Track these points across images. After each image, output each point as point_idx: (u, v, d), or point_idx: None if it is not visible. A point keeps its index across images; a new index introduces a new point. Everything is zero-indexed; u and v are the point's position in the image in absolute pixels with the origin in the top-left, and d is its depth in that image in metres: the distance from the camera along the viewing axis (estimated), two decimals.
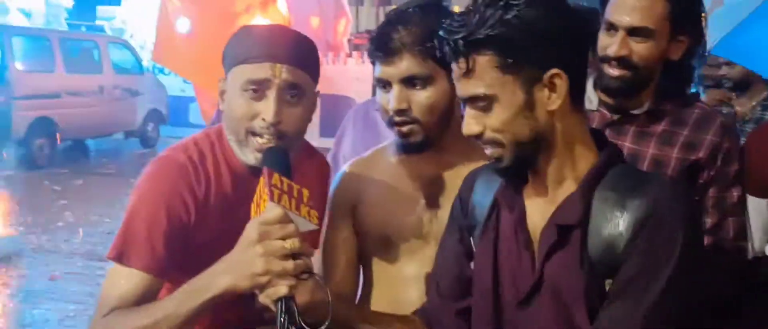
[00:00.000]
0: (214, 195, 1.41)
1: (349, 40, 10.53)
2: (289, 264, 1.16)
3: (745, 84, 3.37)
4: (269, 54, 1.34)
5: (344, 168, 1.67)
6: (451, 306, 1.36)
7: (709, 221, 1.70)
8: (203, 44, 10.28)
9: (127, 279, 1.33)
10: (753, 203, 1.81)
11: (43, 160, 9.69)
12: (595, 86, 1.76)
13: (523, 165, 1.21)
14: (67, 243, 6.25)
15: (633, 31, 1.64)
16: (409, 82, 1.43)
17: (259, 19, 9.70)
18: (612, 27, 1.67)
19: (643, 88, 1.71)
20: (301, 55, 1.39)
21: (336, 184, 1.64)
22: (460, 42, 1.14)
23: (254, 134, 1.35)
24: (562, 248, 1.18)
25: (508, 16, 1.11)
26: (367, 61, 1.98)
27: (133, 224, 1.36)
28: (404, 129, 1.46)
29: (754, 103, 3.39)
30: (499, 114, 1.16)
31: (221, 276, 1.20)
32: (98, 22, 15.85)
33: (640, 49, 1.64)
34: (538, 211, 1.23)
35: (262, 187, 1.21)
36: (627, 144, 1.71)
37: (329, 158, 2.12)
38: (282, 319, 1.15)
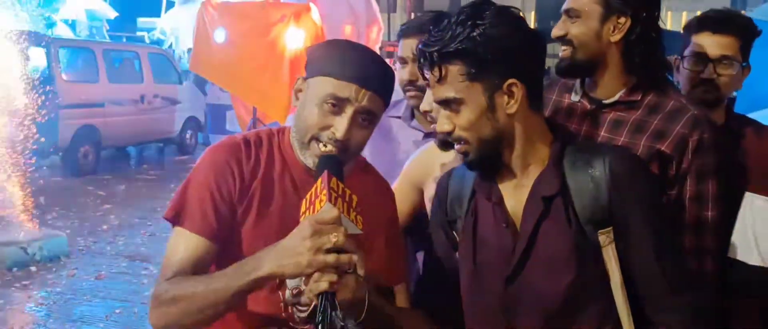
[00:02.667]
0: (261, 177, 1.50)
1: (380, 48, 10.74)
2: (332, 258, 1.24)
3: None
4: (358, 77, 1.43)
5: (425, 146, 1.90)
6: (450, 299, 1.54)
7: (688, 215, 1.71)
8: (239, 54, 10.59)
9: (185, 243, 1.44)
10: (761, 206, 1.88)
11: (88, 167, 10.05)
12: (583, 82, 1.87)
13: (487, 158, 1.42)
14: (112, 244, 6.54)
15: (567, 12, 1.78)
16: None
17: (293, 29, 9.95)
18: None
19: (593, 70, 1.78)
20: (384, 84, 1.50)
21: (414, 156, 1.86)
22: (435, 54, 1.36)
23: (318, 141, 1.45)
24: (546, 218, 1.40)
25: (474, 33, 1.34)
26: (399, 68, 2.14)
27: (187, 189, 1.48)
28: None
29: None
30: (465, 115, 1.38)
31: (269, 260, 1.29)
32: (138, 34, 16.30)
33: (572, 28, 1.77)
34: (511, 196, 1.45)
35: (319, 188, 1.29)
36: (602, 133, 1.77)
37: None
38: (321, 314, 1.22)
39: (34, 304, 5.11)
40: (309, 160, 1.48)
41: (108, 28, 15.19)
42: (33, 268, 5.70)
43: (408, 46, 2.09)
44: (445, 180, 1.59)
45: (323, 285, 1.24)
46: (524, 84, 1.37)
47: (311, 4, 9.50)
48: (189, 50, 14.08)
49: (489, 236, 1.46)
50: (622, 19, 1.73)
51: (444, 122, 1.40)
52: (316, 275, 1.25)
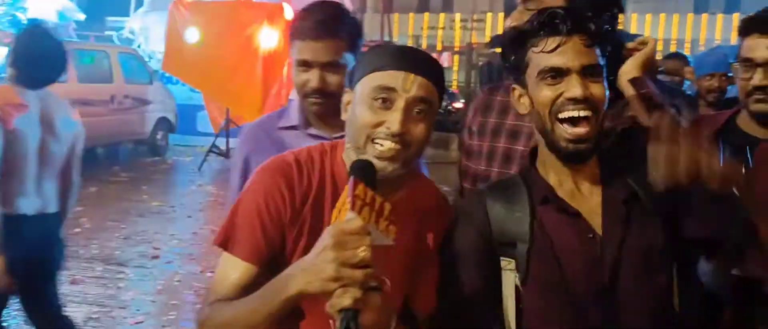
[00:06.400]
0: (312, 201, 1.42)
1: None
2: (359, 274, 1.15)
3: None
4: (402, 62, 1.36)
5: None
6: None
7: None
8: (211, 54, 10.49)
9: (233, 269, 1.39)
10: None
11: None
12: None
13: (597, 139, 1.43)
14: (86, 248, 6.43)
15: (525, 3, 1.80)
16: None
17: (267, 29, 9.90)
18: (524, 2, 1.84)
19: None
20: (432, 69, 1.40)
21: None
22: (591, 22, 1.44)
23: (374, 141, 1.36)
24: (627, 220, 1.42)
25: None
26: (300, 72, 1.95)
27: (237, 213, 1.42)
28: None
29: None
30: (602, 88, 1.42)
31: (295, 278, 1.22)
32: (107, 33, 16.07)
33: None
34: (578, 204, 1.45)
35: (345, 195, 1.21)
36: (508, 121, 1.85)
37: (236, 183, 2.07)
38: None
39: (8, 309, 4.99)
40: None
41: (75, 27, 14.93)
42: None
43: (318, 51, 1.93)
44: (479, 201, 1.51)
45: (346, 301, 1.14)
46: None
47: (285, 4, 9.47)
48: (153, 51, 13.95)
49: (571, 251, 1.41)
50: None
51: (578, 87, 1.38)
52: (339, 290, 1.15)
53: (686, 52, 19.15)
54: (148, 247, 6.53)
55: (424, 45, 18.83)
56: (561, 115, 1.40)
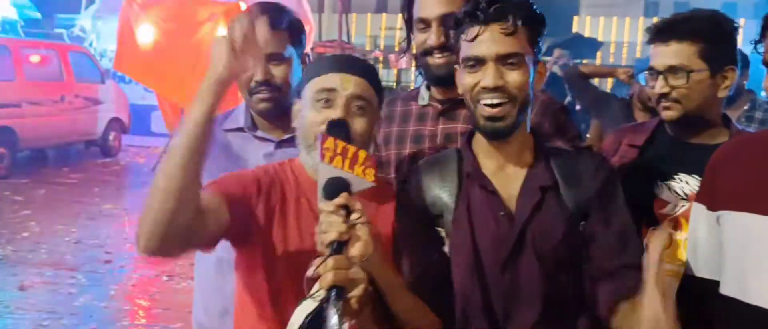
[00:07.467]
0: (280, 197, 1.57)
1: (312, 49, 10.66)
2: (337, 218, 1.29)
3: (731, 97, 3.65)
4: (336, 65, 1.56)
5: None
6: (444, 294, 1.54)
7: None
8: (166, 53, 10.28)
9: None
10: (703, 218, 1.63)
11: (3, 170, 9.55)
12: (428, 87, 1.97)
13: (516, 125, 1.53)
14: (34, 253, 6.22)
15: (444, 20, 1.82)
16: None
17: (222, 28, 9.78)
18: (424, 22, 1.87)
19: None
20: (365, 69, 1.58)
21: None
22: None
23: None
24: (541, 207, 1.52)
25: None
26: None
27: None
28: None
29: (738, 114, 3.69)
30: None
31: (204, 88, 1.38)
32: (57, 30, 15.64)
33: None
34: (500, 185, 1.55)
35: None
36: (459, 125, 1.89)
37: None
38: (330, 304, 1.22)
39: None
40: (318, 155, 1.45)
41: (22, 24, 14.48)
42: None
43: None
44: (415, 177, 1.62)
45: (331, 236, 1.27)
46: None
47: (241, 3, 9.34)
48: (105, 50, 13.63)
49: (484, 224, 1.52)
50: None
51: (490, 76, 1.48)
52: (325, 226, 1.28)
53: (637, 55, 19.62)
54: (99, 251, 6.36)
55: (381, 45, 18.87)
56: (480, 101, 1.52)
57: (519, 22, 1.47)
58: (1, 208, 7.81)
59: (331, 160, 1.31)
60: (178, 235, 1.35)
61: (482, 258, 1.51)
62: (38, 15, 14.62)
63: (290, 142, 1.95)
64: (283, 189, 1.58)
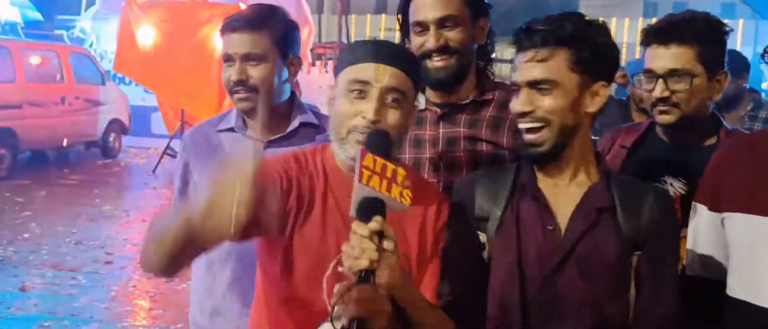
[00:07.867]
0: (308, 189, 1.50)
1: (311, 50, 10.67)
2: (370, 244, 1.23)
3: (734, 99, 3.68)
4: (373, 55, 1.45)
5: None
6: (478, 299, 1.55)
7: None
8: (166, 54, 10.30)
9: None
10: (707, 219, 1.65)
11: (4, 172, 9.57)
12: (423, 91, 1.95)
13: (560, 147, 1.51)
14: (35, 254, 6.24)
15: (442, 22, 1.84)
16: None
17: None
18: (421, 25, 1.87)
19: (465, 75, 1.91)
20: (403, 59, 1.48)
21: None
22: (549, 34, 1.48)
23: (355, 133, 1.44)
24: (594, 228, 1.50)
25: (589, 28, 1.51)
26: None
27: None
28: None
29: (742, 114, 3.73)
30: (554, 100, 1.48)
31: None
32: (57, 32, 15.64)
33: (452, 35, 1.85)
34: (555, 200, 1.54)
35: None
36: (461, 129, 1.89)
37: (177, 187, 2.13)
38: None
39: None
40: (350, 151, 1.44)
41: (23, 25, 14.48)
42: None
43: (236, 42, 1.95)
44: (470, 182, 1.63)
45: (363, 263, 1.22)
46: (607, 88, 1.51)
47: (241, 4, 9.36)
48: (105, 51, 13.62)
49: (531, 235, 1.51)
50: (482, 22, 1.91)
51: (526, 102, 1.48)
52: (355, 252, 1.23)
53: (636, 56, 19.61)
54: (100, 252, 6.38)
55: None
56: (518, 125, 1.54)
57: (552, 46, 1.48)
58: (2, 210, 7.84)
59: (369, 180, 1.24)
60: (191, 257, 1.37)
61: (524, 269, 1.50)
62: (39, 16, 14.63)
63: (279, 142, 2.01)
64: (312, 183, 1.51)
